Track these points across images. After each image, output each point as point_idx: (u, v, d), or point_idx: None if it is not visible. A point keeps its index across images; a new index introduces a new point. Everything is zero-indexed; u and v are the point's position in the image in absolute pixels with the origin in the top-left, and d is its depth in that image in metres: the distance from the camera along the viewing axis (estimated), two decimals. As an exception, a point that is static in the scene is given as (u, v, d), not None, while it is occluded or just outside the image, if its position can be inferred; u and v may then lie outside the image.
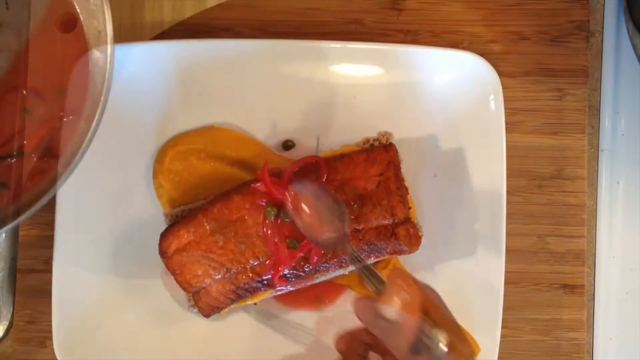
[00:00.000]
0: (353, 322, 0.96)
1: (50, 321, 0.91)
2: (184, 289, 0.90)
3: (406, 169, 0.95)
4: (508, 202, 0.91)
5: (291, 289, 0.94)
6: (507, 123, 0.92)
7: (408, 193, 0.91)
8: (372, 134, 0.94)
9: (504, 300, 0.90)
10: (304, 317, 0.96)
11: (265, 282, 0.88)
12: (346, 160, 0.89)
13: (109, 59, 0.78)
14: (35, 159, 0.83)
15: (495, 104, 0.92)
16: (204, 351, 0.95)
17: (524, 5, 0.99)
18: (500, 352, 0.90)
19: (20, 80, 0.83)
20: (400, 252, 0.89)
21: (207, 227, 0.88)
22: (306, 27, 0.99)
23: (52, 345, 0.91)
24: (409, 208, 0.90)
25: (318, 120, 0.96)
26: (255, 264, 0.88)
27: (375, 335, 0.70)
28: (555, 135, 0.98)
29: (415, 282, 0.70)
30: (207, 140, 0.97)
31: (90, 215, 0.94)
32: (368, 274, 0.76)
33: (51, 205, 0.92)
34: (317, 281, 0.94)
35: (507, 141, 0.92)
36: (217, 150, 0.96)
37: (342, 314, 0.96)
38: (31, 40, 0.84)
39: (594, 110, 1.00)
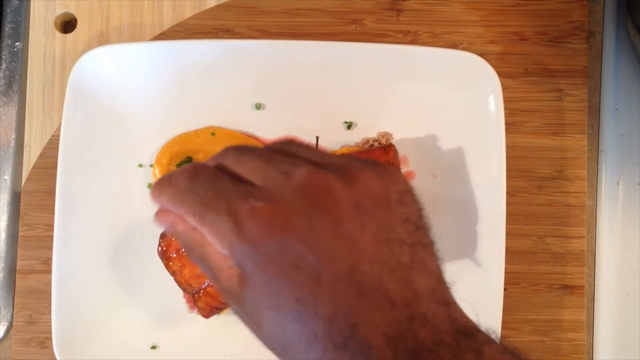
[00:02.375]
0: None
1: (50, 321, 0.91)
2: (184, 289, 0.90)
3: (406, 170, 0.95)
4: (508, 203, 0.91)
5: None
6: (506, 124, 0.92)
7: (408, 193, 0.91)
8: (372, 134, 0.93)
9: (504, 300, 0.90)
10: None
11: (265, 282, 0.88)
12: (346, 161, 0.89)
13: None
14: None
15: (495, 105, 0.92)
16: (204, 351, 0.95)
17: (523, 6, 0.99)
18: (500, 353, 0.90)
19: None
20: (400, 253, 0.89)
21: (207, 228, 0.88)
22: (306, 27, 0.99)
23: (52, 345, 0.91)
24: (409, 208, 0.90)
25: (318, 120, 0.96)
26: (255, 264, 0.87)
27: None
28: (555, 135, 0.98)
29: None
30: (206, 141, 0.97)
31: (90, 216, 0.94)
32: None
33: (51, 206, 0.92)
34: (317, 281, 0.94)
35: (507, 142, 0.92)
36: (217, 150, 0.96)
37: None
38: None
39: (594, 111, 1.00)
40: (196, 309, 0.90)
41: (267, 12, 1.00)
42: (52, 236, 0.92)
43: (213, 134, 0.97)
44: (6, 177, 1.01)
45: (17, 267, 0.99)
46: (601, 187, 0.99)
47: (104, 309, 0.95)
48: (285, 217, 0.46)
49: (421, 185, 0.96)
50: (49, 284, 0.92)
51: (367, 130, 0.95)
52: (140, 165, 0.97)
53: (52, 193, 0.92)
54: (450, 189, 0.95)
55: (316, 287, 0.44)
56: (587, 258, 0.98)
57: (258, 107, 0.97)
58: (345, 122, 0.97)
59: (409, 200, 0.56)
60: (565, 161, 0.98)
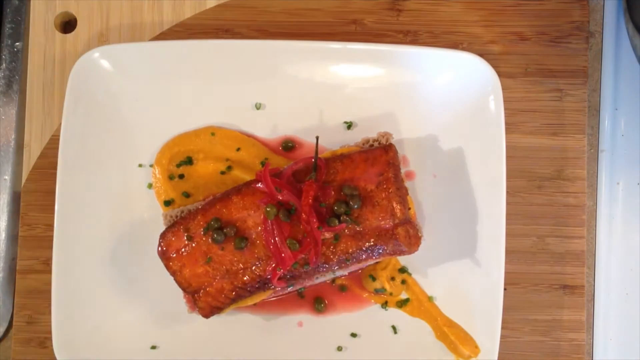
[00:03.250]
0: (352, 324, 0.96)
1: (50, 321, 0.91)
2: (184, 289, 0.89)
3: (406, 170, 0.95)
4: (508, 203, 0.91)
5: (291, 289, 0.94)
6: (507, 124, 0.92)
7: (408, 194, 0.91)
8: (372, 134, 0.93)
9: (504, 300, 0.90)
10: (304, 318, 0.96)
11: (265, 282, 0.88)
12: (346, 161, 0.89)
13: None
14: None
15: (495, 105, 0.92)
16: (204, 351, 0.95)
17: (523, 6, 0.99)
18: (500, 353, 0.90)
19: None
20: (400, 253, 0.89)
21: (207, 228, 0.88)
22: (306, 27, 0.99)
23: (52, 345, 0.91)
24: (409, 209, 0.90)
25: (318, 120, 0.96)
26: (255, 264, 0.88)
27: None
28: (555, 135, 0.98)
29: None
30: (205, 141, 0.97)
31: (90, 216, 0.95)
32: None
33: (51, 206, 0.92)
34: (316, 282, 0.94)
35: (507, 142, 0.92)
36: (216, 150, 0.97)
37: (341, 315, 0.96)
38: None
39: (594, 111, 1.00)
40: (196, 309, 0.90)
41: (267, 12, 1.00)
42: (52, 236, 0.92)
43: (213, 134, 0.97)
44: (6, 177, 1.01)
45: (17, 267, 0.99)
46: (601, 187, 0.99)
47: (103, 309, 0.95)
48: None
49: (421, 185, 0.96)
50: (49, 284, 0.92)
51: (367, 130, 0.95)
52: (140, 165, 0.97)
53: (52, 193, 0.92)
54: (450, 189, 0.95)
55: None
56: (587, 258, 0.98)
57: (258, 107, 0.97)
58: (345, 122, 0.97)
59: None
60: (565, 161, 0.98)
